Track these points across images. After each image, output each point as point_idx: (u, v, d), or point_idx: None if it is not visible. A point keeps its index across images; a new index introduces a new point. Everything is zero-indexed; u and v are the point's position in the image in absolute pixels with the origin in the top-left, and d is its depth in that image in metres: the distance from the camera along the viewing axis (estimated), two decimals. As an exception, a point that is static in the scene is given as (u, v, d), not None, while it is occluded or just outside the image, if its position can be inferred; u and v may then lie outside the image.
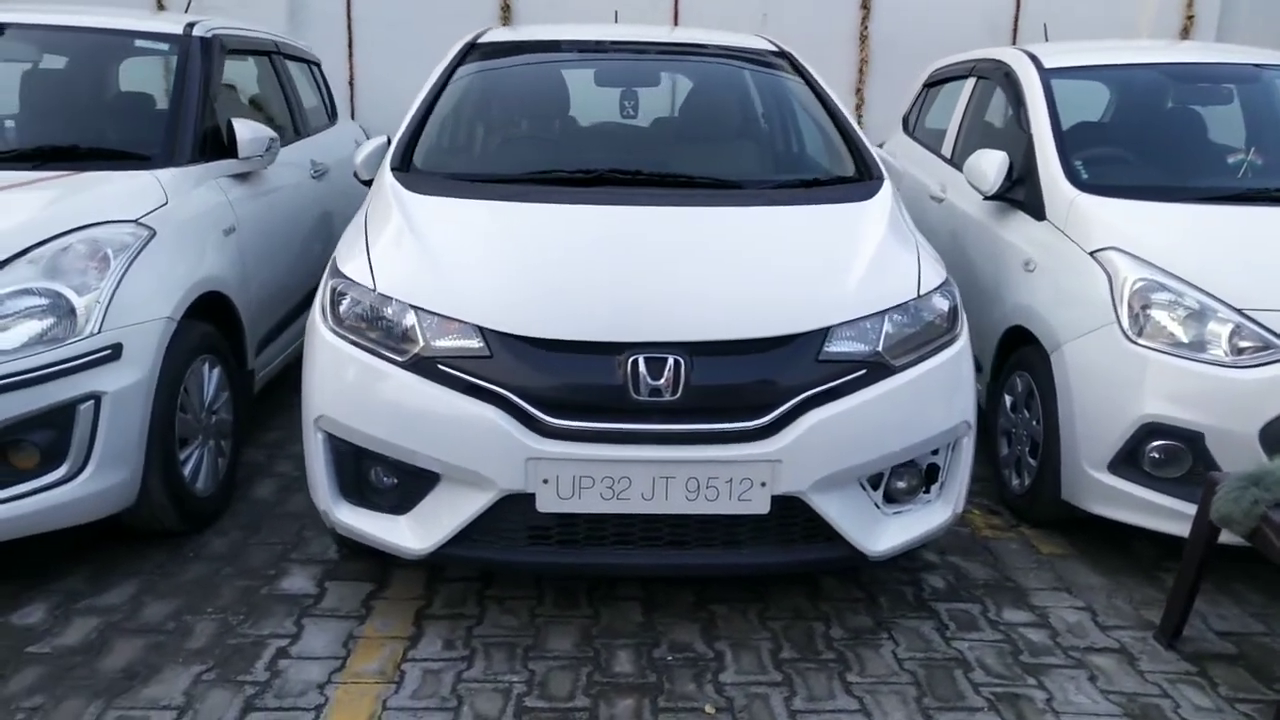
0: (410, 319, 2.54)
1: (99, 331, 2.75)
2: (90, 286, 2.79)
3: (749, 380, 2.47)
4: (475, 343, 2.48)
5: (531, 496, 2.44)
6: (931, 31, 6.54)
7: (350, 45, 6.54)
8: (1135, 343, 3.00)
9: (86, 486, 2.75)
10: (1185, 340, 2.94)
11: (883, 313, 2.62)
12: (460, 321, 2.50)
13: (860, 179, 3.25)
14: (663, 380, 2.42)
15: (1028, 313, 3.49)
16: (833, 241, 2.84)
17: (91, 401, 2.73)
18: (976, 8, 6.70)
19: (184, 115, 3.58)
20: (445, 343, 2.50)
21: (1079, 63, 4.19)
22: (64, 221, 2.87)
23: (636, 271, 2.64)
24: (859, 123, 6.80)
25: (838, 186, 3.19)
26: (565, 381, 2.44)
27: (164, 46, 3.82)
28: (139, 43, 3.84)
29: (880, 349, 2.58)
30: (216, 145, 3.65)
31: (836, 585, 3.01)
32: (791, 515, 2.53)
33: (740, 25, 6.60)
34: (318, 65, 5.45)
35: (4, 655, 2.54)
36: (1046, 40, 5.93)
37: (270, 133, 3.78)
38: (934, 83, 5.55)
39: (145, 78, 3.92)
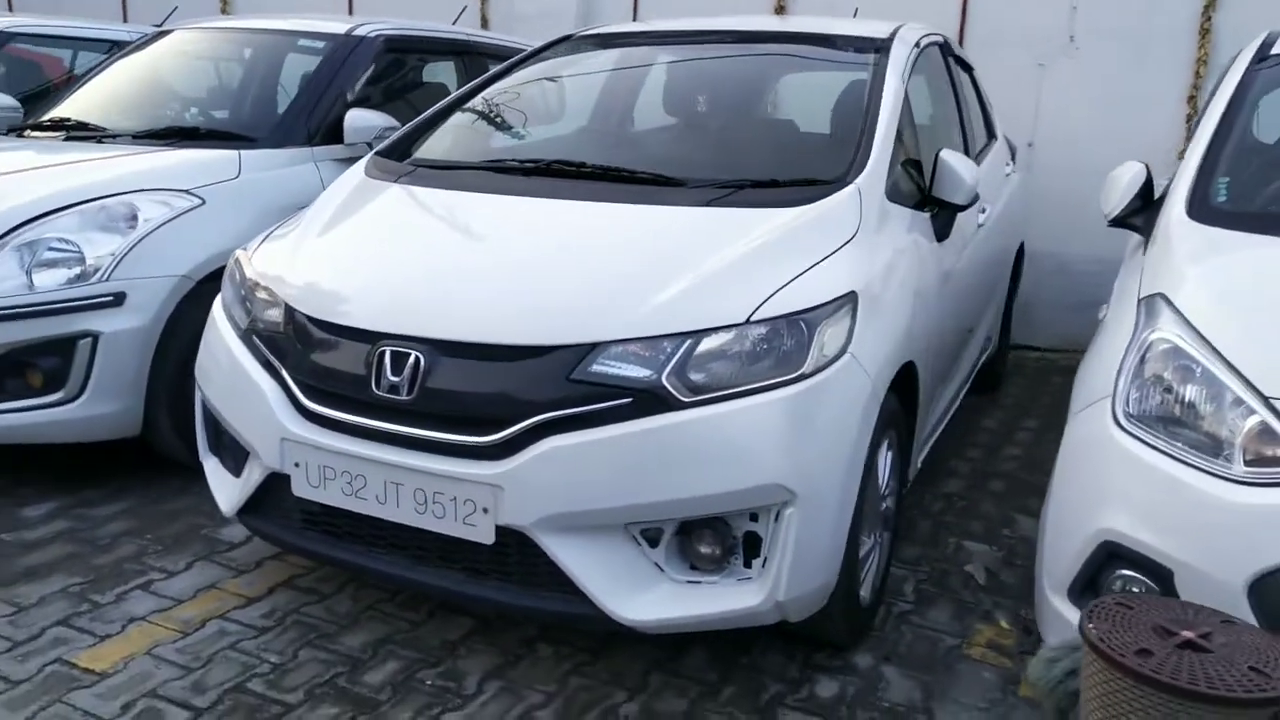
0: (255, 292, 2.62)
1: (106, 280, 3.21)
2: (109, 241, 3.25)
3: (483, 390, 2.18)
4: (279, 317, 2.49)
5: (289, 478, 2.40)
6: (1306, 21, 5.04)
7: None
8: (1123, 427, 2.11)
9: (83, 410, 3.23)
10: (1192, 435, 2.01)
11: (679, 336, 2.15)
12: (275, 296, 2.53)
13: (832, 183, 2.66)
14: (400, 378, 2.23)
15: (1078, 374, 2.61)
16: (687, 248, 2.37)
17: (90, 339, 3.19)
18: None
19: (299, 104, 4.00)
20: (266, 315, 2.54)
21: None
22: (119, 185, 3.38)
23: (446, 261, 2.46)
24: (1188, 135, 5.49)
25: (789, 189, 2.64)
26: (323, 365, 2.36)
27: (320, 45, 4.28)
28: (301, 42, 4.34)
29: (663, 377, 2.12)
30: (339, 133, 4.02)
31: (710, 653, 2.53)
32: (534, 553, 2.19)
33: (1043, 14, 5.66)
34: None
35: (-19, 535, 3.10)
36: None
37: (385, 122, 4.04)
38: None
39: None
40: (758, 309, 2.19)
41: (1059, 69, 5.68)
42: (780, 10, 6.23)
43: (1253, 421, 1.92)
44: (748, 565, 2.21)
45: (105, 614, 2.67)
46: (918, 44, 3.44)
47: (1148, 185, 2.87)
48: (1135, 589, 2.04)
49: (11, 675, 2.38)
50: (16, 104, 4.77)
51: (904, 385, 2.72)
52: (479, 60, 5.03)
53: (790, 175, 2.73)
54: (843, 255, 2.41)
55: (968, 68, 4.56)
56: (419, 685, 2.40)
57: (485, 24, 7.21)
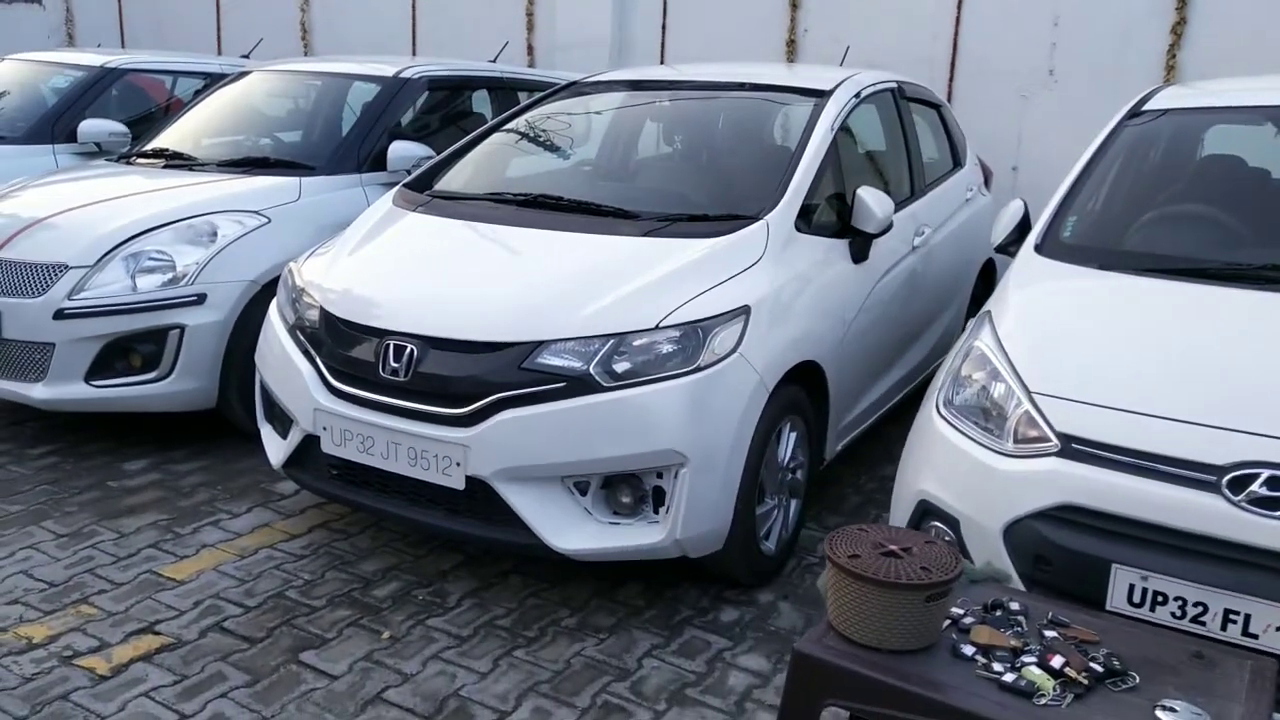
0: (301, 297, 3.39)
1: (192, 284, 4.03)
2: (195, 253, 4.08)
3: (458, 374, 2.91)
4: (316, 317, 3.26)
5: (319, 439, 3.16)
6: (1270, 56, 5.51)
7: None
8: (941, 414, 2.75)
9: (171, 387, 4.06)
10: (992, 420, 2.63)
11: (605, 337, 2.85)
12: (315, 300, 3.30)
13: (749, 218, 3.32)
14: (399, 364, 2.98)
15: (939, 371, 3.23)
16: (621, 270, 3.07)
17: (178, 329, 4.02)
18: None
19: (351, 137, 4.81)
20: (308, 315, 3.32)
21: (1176, 105, 3.56)
22: (204, 207, 4.22)
23: (439, 276, 3.21)
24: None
25: (714, 222, 3.31)
26: (345, 354, 3.11)
27: (371, 85, 5.09)
28: (356, 83, 5.15)
29: (591, 367, 2.83)
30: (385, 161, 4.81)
31: (643, 586, 3.23)
32: (494, 497, 2.91)
33: (1025, 50, 6.20)
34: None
35: (92, 481, 3.94)
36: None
37: (423, 152, 4.81)
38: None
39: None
40: (666, 317, 2.89)
41: (1040, 100, 6.22)
42: (791, 46, 6.87)
43: (1020, 410, 2.54)
44: (656, 511, 2.90)
45: (184, 541, 3.48)
46: (858, 94, 4.07)
47: (1025, 220, 3.47)
48: (946, 537, 2.68)
49: (115, 579, 3.20)
50: (126, 130, 5.69)
51: (813, 380, 3.38)
52: (511, 94, 5.79)
53: (719, 210, 3.41)
54: (744, 277, 3.08)
55: (935, 105, 5.15)
56: (413, 599, 3.15)
57: (531, 52, 8.00)
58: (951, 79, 6.42)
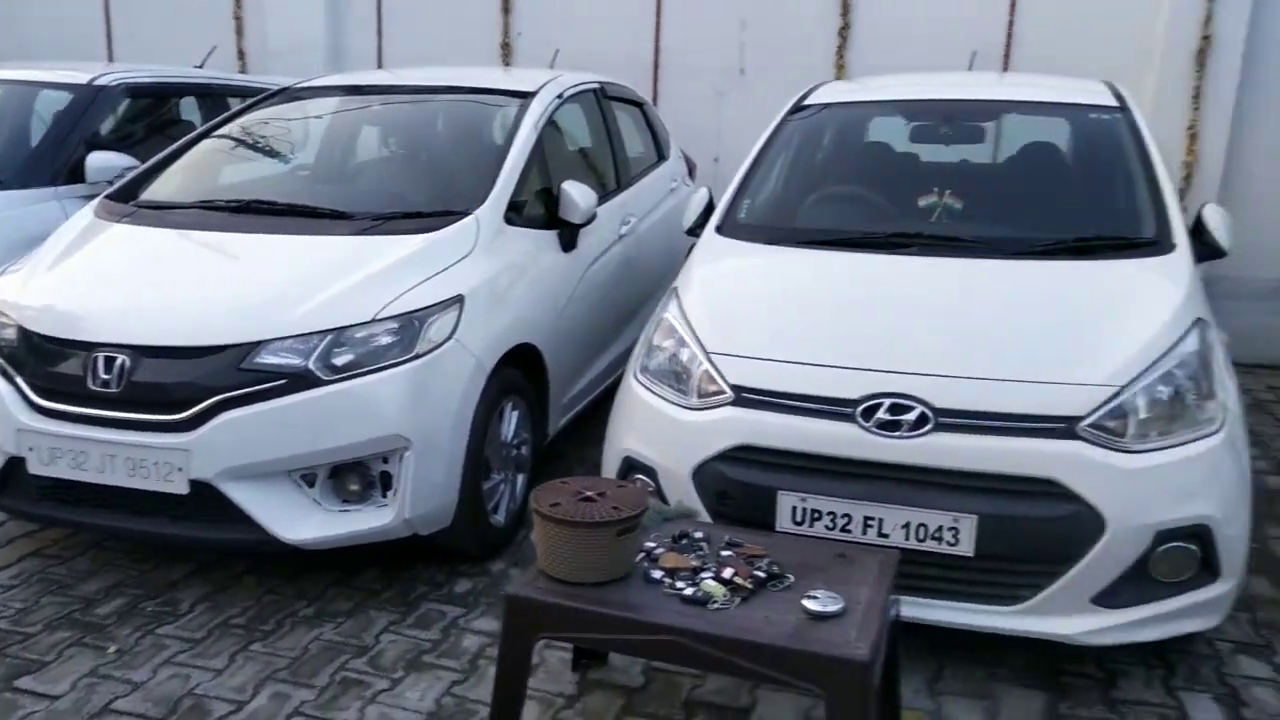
0: (-5, 315, 3.25)
1: None
2: None
3: (175, 380, 2.93)
4: (14, 335, 3.15)
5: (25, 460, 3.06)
6: (916, 53, 6.32)
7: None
8: (638, 379, 3.07)
9: None
10: (682, 382, 2.96)
11: (323, 332, 2.96)
12: (10, 319, 3.18)
13: (459, 214, 3.51)
14: (110, 375, 2.95)
15: (642, 345, 3.58)
16: (337, 268, 3.18)
17: None
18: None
19: (41, 149, 4.57)
20: (3, 335, 3.19)
21: (831, 100, 4.11)
22: None
23: (148, 285, 3.19)
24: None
25: (427, 219, 3.46)
26: (50, 370, 3.04)
27: (63, 93, 4.84)
28: (45, 91, 4.89)
29: (310, 363, 2.93)
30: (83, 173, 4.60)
31: (379, 571, 3.35)
32: (219, 498, 2.94)
33: (719, 51, 6.74)
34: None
35: None
36: (969, 69, 5.62)
37: (125, 162, 4.64)
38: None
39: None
40: (382, 310, 3.03)
41: (734, 96, 6.79)
42: (505, 49, 7.12)
43: (702, 369, 2.90)
44: (384, 495, 3.05)
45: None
46: (561, 94, 4.36)
47: (710, 205, 3.88)
48: (649, 487, 3.00)
49: None
50: None
51: (532, 361, 3.63)
52: (220, 100, 5.66)
53: (431, 207, 3.58)
54: (456, 269, 3.28)
55: (638, 103, 5.55)
56: (141, 611, 3.11)
57: (242, 57, 7.77)
58: (656, 78, 6.88)
